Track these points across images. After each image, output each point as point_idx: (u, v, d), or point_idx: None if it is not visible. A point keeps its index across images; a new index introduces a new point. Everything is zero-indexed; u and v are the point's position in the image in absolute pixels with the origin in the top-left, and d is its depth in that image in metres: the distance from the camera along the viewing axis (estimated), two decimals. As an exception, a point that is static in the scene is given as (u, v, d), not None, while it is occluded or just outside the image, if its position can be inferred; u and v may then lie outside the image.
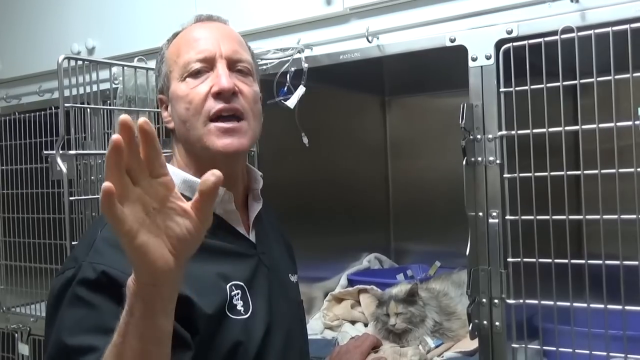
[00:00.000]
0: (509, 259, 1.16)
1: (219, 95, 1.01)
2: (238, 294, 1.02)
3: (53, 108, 1.80)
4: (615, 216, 1.05)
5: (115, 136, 0.63)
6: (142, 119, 0.66)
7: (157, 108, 1.53)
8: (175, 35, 1.12)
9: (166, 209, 0.69)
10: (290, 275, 1.22)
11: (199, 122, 1.02)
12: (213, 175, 0.69)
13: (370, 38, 1.35)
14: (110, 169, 0.64)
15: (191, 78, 1.03)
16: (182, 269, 0.72)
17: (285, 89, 1.44)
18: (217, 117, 1.01)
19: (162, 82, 1.10)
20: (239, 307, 1.01)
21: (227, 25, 1.12)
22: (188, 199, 1.01)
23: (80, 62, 1.41)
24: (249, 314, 1.02)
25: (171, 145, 1.12)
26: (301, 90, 1.43)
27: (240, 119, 1.03)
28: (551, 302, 1.12)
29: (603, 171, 1.07)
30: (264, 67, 1.46)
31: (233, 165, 1.08)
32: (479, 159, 1.19)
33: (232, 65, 1.05)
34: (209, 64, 1.04)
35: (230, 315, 1.00)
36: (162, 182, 0.69)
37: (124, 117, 0.65)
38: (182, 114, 1.03)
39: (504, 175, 1.17)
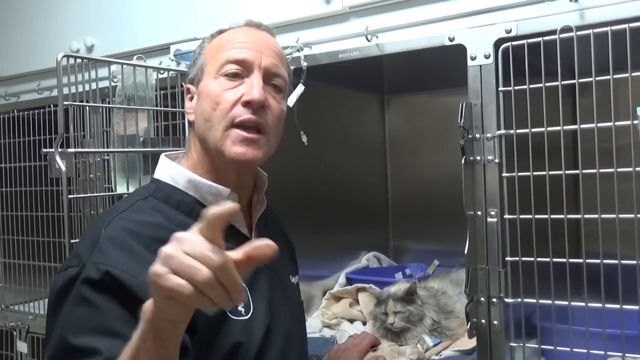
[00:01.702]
0: (507, 258, 1.16)
1: (248, 104, 1.00)
2: None
3: (52, 106, 1.81)
4: (614, 215, 1.06)
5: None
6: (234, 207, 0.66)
7: (156, 106, 1.54)
8: (221, 32, 1.10)
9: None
10: (291, 276, 1.22)
11: (220, 124, 1.01)
12: (268, 247, 0.69)
13: (369, 37, 1.35)
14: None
15: (225, 78, 1.02)
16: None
17: (284, 87, 1.44)
18: (239, 124, 1.01)
19: (194, 73, 1.09)
20: (240, 307, 1.01)
21: (274, 38, 1.11)
22: (193, 198, 1.03)
23: (79, 60, 1.40)
24: (249, 314, 1.02)
25: (187, 139, 1.12)
26: (300, 88, 1.43)
27: (260, 132, 1.03)
28: (549, 301, 1.12)
29: (601, 170, 1.07)
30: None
31: (244, 172, 1.08)
32: (478, 158, 1.19)
33: (268, 78, 1.04)
34: (246, 69, 1.02)
35: (231, 316, 0.99)
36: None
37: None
38: (207, 112, 1.02)
39: (503, 175, 1.17)
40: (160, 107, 1.55)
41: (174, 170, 1.06)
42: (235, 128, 1.01)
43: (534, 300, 1.14)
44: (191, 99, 1.09)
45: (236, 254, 0.68)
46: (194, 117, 1.07)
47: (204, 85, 1.05)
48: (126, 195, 1.42)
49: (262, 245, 0.68)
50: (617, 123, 1.06)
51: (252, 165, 1.07)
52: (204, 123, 1.03)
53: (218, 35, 1.09)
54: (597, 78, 1.06)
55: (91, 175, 1.59)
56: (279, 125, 1.07)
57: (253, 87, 1.01)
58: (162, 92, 1.55)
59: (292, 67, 1.43)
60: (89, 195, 1.54)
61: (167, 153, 1.12)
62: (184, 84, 1.16)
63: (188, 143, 1.11)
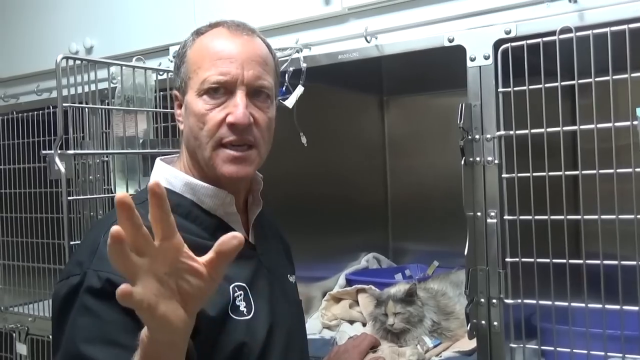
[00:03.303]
0: (507, 259, 1.16)
1: (232, 126, 1.00)
2: (241, 295, 1.02)
3: (51, 107, 1.80)
4: (613, 216, 1.06)
5: (115, 228, 0.64)
6: (153, 182, 0.68)
7: (155, 107, 1.54)
8: (201, 33, 1.08)
9: (178, 270, 0.70)
10: (288, 275, 1.22)
11: (209, 145, 1.01)
12: (235, 238, 0.70)
13: (368, 38, 1.35)
14: (116, 258, 0.66)
15: (208, 96, 1.01)
16: (193, 320, 0.75)
17: (284, 88, 1.44)
18: (227, 144, 1.01)
19: (179, 82, 1.08)
20: (242, 307, 1.01)
21: (255, 41, 1.08)
22: (190, 201, 1.04)
23: (78, 62, 1.40)
24: (251, 314, 1.02)
25: (180, 143, 1.12)
26: (300, 90, 1.43)
27: (250, 147, 1.03)
28: (549, 302, 1.12)
29: (601, 171, 1.07)
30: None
31: (237, 184, 1.08)
32: (477, 159, 1.19)
33: (252, 91, 1.03)
34: (228, 87, 1.01)
35: (234, 317, 1.00)
36: (172, 244, 0.70)
37: (120, 197, 0.65)
38: (195, 130, 1.02)
39: (502, 175, 1.17)
40: (160, 108, 1.55)
41: (170, 174, 1.07)
42: (223, 147, 1.01)
43: (534, 301, 1.14)
44: (180, 105, 1.09)
45: (208, 255, 0.72)
46: (183, 127, 1.07)
47: (189, 101, 1.04)
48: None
49: (227, 240, 0.71)
50: (616, 124, 1.06)
51: (244, 180, 1.07)
52: (193, 140, 1.03)
53: (198, 38, 1.07)
54: (597, 79, 1.06)
55: (90, 177, 1.59)
56: (268, 133, 1.06)
57: (237, 107, 1.00)
58: (161, 93, 1.55)
59: (291, 69, 1.44)
60: (89, 197, 1.54)
61: (162, 157, 1.12)
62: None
63: (180, 147, 1.11)
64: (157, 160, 1.11)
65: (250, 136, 1.02)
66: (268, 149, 1.08)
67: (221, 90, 1.01)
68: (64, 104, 1.33)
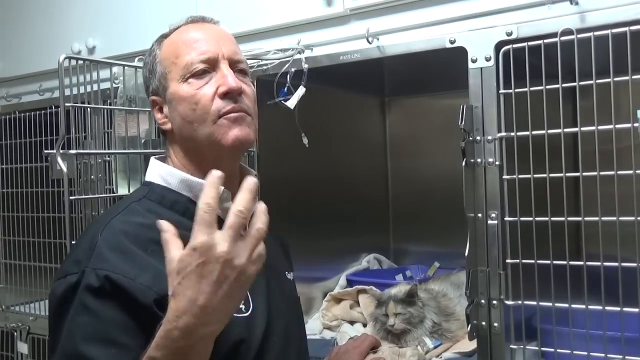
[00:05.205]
0: (508, 260, 1.16)
1: (226, 95, 1.02)
2: None
3: (53, 107, 1.81)
4: (614, 218, 1.06)
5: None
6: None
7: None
8: (165, 36, 1.11)
9: None
10: (286, 272, 1.22)
11: (207, 121, 1.02)
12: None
13: (370, 39, 1.35)
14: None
15: (194, 79, 1.03)
16: None
17: (286, 89, 1.45)
18: (224, 115, 1.02)
19: (156, 83, 1.08)
20: (240, 305, 1.01)
21: (221, 27, 1.13)
22: (186, 198, 1.04)
23: (80, 62, 1.41)
24: (249, 311, 1.02)
25: (165, 148, 1.12)
26: (301, 90, 1.43)
27: (245, 113, 1.04)
28: (549, 304, 1.12)
29: (602, 173, 1.07)
30: (264, 67, 1.47)
31: (236, 160, 1.09)
32: (479, 160, 1.20)
33: (233, 65, 1.06)
34: (211, 64, 1.04)
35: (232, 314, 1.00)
36: None
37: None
38: (188, 114, 1.03)
39: (503, 177, 1.17)
40: (162, 108, 1.55)
41: (166, 172, 1.07)
42: (221, 118, 1.02)
43: (535, 303, 1.14)
44: (160, 110, 1.09)
45: None
46: (170, 126, 1.07)
47: (174, 92, 1.04)
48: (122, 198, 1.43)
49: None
50: (617, 126, 1.06)
51: (248, 146, 1.09)
52: (188, 126, 1.03)
53: (165, 40, 1.10)
54: (598, 81, 1.06)
55: (92, 177, 1.60)
56: (255, 107, 1.08)
57: (226, 77, 1.02)
58: (163, 93, 1.55)
59: (293, 70, 1.44)
60: (90, 196, 1.55)
61: (156, 156, 1.12)
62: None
63: (167, 152, 1.10)
64: (152, 159, 1.11)
65: (243, 105, 1.03)
66: (257, 124, 1.09)
67: (205, 70, 1.03)
68: (67, 104, 1.33)
